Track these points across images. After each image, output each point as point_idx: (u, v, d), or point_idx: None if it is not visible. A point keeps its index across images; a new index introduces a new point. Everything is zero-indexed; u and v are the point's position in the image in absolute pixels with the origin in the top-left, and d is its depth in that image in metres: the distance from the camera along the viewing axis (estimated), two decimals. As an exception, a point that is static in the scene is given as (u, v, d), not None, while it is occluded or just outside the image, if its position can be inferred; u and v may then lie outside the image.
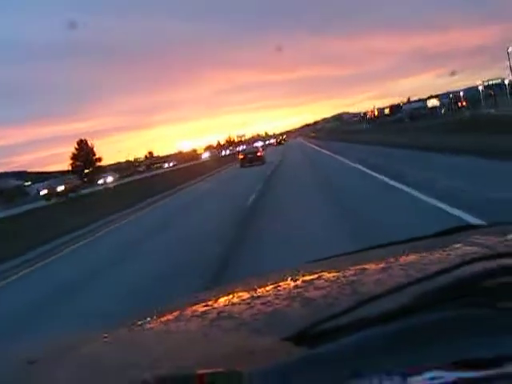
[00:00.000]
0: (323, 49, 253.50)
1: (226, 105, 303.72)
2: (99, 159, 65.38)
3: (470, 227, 1.58)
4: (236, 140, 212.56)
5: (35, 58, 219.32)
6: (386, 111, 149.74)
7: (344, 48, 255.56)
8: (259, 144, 49.36)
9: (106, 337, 1.05)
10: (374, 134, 39.87)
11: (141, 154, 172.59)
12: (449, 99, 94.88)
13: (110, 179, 70.15)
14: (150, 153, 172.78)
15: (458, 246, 1.23)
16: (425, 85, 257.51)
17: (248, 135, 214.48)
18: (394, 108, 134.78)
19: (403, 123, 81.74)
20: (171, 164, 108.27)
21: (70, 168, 61.26)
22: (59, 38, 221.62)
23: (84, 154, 62.87)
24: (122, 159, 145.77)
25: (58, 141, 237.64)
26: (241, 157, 37.50)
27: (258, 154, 36.20)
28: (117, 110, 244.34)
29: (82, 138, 64.89)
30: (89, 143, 63.69)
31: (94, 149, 62.29)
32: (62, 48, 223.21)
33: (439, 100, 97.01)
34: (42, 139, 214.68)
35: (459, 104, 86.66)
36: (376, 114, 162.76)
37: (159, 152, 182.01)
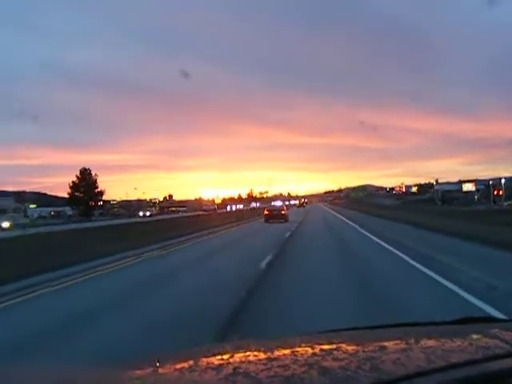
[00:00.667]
0: (357, 119, 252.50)
1: (253, 160, 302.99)
2: (101, 192, 60.96)
3: (490, 319, 1.75)
4: (258, 196, 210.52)
5: (75, 84, 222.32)
6: (414, 189, 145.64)
7: (377, 122, 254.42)
8: (279, 203, 48.22)
9: (115, 375, 1.08)
10: (403, 212, 33.86)
11: (159, 195, 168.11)
12: (485, 186, 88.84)
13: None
14: (170, 196, 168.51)
15: (479, 337, 1.21)
16: (451, 169, 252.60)
17: (271, 193, 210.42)
18: (423, 187, 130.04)
19: (434, 204, 76.91)
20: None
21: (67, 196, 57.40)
22: (103, 71, 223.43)
23: (85, 185, 58.68)
24: (136, 197, 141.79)
25: (68, 169, 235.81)
26: (266, 212, 38.09)
27: (283, 212, 37.20)
28: (140, 150, 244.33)
29: (86, 167, 60.63)
30: (92, 174, 59.71)
31: (98, 181, 58.51)
32: (104, 80, 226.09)
33: (475, 185, 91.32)
34: (67, 165, 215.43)
35: (495, 192, 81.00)
36: (404, 190, 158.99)
37: (179, 196, 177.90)
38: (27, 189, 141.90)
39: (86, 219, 53.77)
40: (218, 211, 62.36)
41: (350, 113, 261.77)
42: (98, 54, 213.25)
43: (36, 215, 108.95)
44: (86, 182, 60.22)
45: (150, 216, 68.40)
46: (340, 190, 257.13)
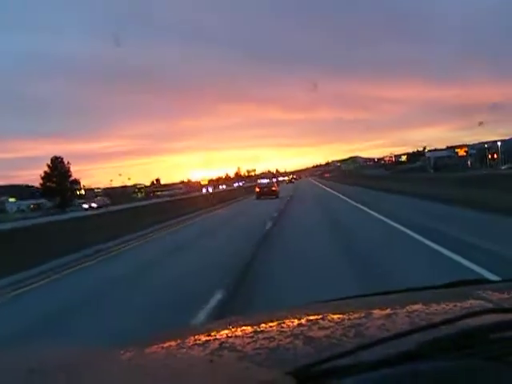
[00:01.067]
0: (343, 93, 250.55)
1: (238, 139, 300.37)
2: (76, 181, 57.08)
3: (482, 281, 1.70)
4: (246, 174, 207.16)
5: (58, 75, 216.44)
6: (403, 158, 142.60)
7: (362, 93, 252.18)
8: (266, 180, 51.04)
9: (106, 356, 1.07)
10: (398, 183, 30.79)
11: (147, 180, 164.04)
12: (477, 150, 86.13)
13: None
14: (158, 180, 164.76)
15: (466, 298, 1.26)
16: (437, 137, 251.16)
17: (259, 170, 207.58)
18: (413, 156, 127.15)
19: (425, 172, 73.84)
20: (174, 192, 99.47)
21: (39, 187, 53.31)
22: (85, 57, 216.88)
23: (58, 175, 54.68)
24: (120, 184, 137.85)
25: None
26: (257, 190, 39.30)
27: (273, 188, 38.31)
28: (125, 134, 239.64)
29: (58, 156, 56.51)
30: (64, 163, 55.62)
31: (72, 169, 54.64)
32: (86, 69, 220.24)
33: (466, 151, 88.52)
34: (48, 156, 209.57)
35: (490, 156, 78.42)
36: (393, 160, 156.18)
37: (167, 180, 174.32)
38: (4, 182, 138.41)
39: (60, 211, 50.34)
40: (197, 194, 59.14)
41: (334, 87, 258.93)
42: (75, 41, 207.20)
43: (15, 209, 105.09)
44: (58, 172, 56.31)
45: (99, 208, 51.77)
46: (328, 164, 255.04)
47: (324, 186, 51.66)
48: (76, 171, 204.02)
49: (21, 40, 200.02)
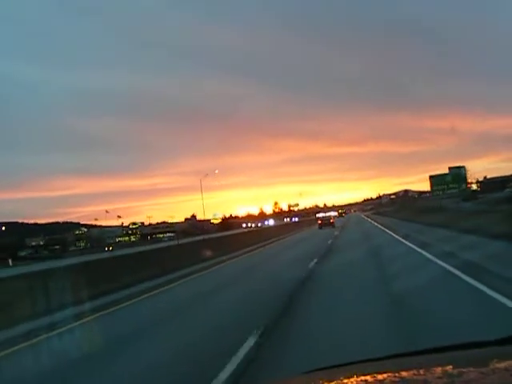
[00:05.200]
0: (391, 125, 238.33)
1: (285, 175, 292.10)
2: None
3: None
4: (287, 209, 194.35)
5: (107, 112, 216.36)
6: (474, 187, 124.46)
7: (410, 126, 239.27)
8: (324, 214, 73.16)
9: None
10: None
11: (182, 216, 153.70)
12: None
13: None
14: (194, 216, 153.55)
15: None
16: (490, 168, 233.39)
17: (303, 205, 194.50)
18: (489, 183, 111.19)
19: None
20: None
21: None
22: (135, 94, 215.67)
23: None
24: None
25: (106, 196, 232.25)
26: (319, 222, 53.51)
27: (331, 220, 52.71)
28: (172, 172, 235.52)
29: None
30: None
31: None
32: (130, 104, 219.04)
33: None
34: (97, 193, 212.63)
35: None
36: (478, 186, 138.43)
37: (206, 216, 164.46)
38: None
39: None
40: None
41: (382, 119, 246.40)
42: (124, 78, 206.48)
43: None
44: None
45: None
46: (379, 197, 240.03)
47: (375, 223, 38.89)
48: (123, 208, 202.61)
49: (71, 76, 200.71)
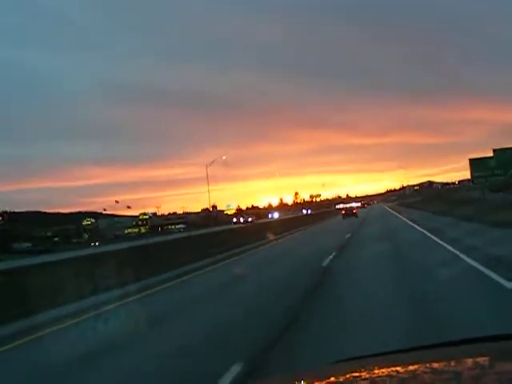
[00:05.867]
0: (416, 117, 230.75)
1: (309, 165, 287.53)
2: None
3: None
4: (308, 200, 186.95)
5: (132, 101, 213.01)
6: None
7: (435, 117, 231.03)
8: (348, 205, 69.78)
9: None
10: None
11: (199, 208, 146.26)
12: None
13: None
14: (214, 206, 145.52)
15: None
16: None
17: (325, 196, 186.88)
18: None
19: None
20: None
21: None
22: (159, 85, 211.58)
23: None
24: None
25: (133, 186, 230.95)
26: (343, 212, 58.04)
27: (354, 211, 56.27)
28: (199, 162, 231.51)
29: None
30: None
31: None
32: (156, 94, 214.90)
33: None
34: (119, 183, 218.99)
35: None
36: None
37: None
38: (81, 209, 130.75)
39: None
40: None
41: (407, 111, 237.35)
42: (150, 67, 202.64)
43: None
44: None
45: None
46: (402, 188, 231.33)
47: (406, 219, 32.11)
48: (147, 198, 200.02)
49: (95, 66, 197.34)
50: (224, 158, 62.43)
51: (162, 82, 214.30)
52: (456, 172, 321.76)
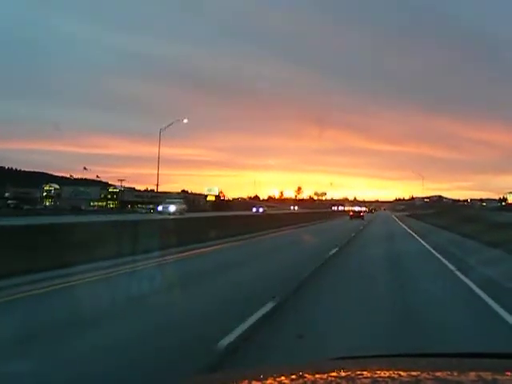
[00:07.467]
0: (433, 130, 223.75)
1: (320, 163, 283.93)
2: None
3: None
4: (314, 198, 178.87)
5: (151, 78, 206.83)
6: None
7: (453, 132, 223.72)
8: (356, 208, 78.00)
9: None
10: None
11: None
12: None
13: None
14: (221, 192, 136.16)
15: None
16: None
17: (331, 196, 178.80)
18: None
19: None
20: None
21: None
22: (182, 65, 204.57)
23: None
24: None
25: (135, 160, 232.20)
26: (351, 213, 61.28)
27: (361, 214, 60.47)
28: (208, 146, 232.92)
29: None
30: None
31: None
32: (181, 75, 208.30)
33: None
34: (135, 156, 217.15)
35: None
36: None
37: (236, 195, 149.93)
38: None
39: None
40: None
41: (426, 123, 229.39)
42: (176, 48, 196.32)
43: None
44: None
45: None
46: (412, 198, 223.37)
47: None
48: (155, 175, 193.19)
49: (119, 38, 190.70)
50: (186, 121, 52.98)
51: (184, 63, 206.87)
52: (466, 190, 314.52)
